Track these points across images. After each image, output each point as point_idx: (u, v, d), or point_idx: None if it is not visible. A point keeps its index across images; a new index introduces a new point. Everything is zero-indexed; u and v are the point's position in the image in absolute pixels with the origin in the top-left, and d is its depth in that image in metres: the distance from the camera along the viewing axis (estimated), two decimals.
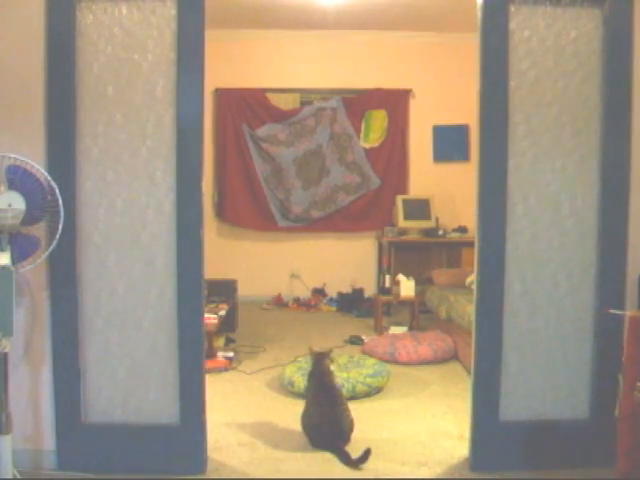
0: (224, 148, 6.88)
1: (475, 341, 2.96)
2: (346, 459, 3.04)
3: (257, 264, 6.99)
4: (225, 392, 4.08)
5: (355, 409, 3.78)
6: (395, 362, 4.66)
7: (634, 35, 2.85)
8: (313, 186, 6.95)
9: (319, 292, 6.94)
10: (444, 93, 6.76)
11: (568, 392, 2.98)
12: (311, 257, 7.05)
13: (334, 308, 6.71)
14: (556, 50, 2.89)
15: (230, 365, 4.58)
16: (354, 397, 3.90)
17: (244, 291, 6.00)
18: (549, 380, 2.97)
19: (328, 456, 3.12)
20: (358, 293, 6.77)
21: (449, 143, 6.94)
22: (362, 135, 6.93)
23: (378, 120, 6.91)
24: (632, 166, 2.89)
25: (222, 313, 4.94)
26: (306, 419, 3.29)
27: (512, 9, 2.84)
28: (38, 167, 2.59)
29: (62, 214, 2.59)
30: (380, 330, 5.63)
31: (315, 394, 3.29)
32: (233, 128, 6.85)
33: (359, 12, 6.09)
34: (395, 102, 6.93)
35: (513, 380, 2.95)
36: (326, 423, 3.19)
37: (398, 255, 6.78)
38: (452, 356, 4.84)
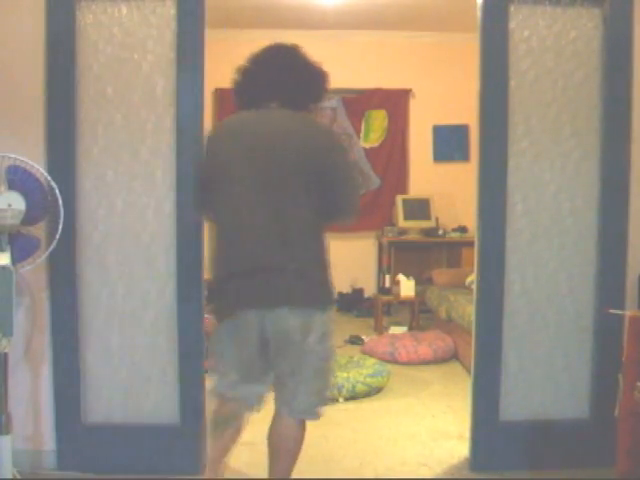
0: None
1: (475, 341, 2.96)
2: None
3: None
4: None
5: (355, 409, 3.80)
6: (395, 362, 4.66)
7: (634, 35, 2.85)
8: None
9: None
10: (444, 93, 6.74)
11: (568, 392, 2.98)
12: None
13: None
14: (556, 50, 2.88)
15: None
16: (354, 397, 3.91)
17: None
18: (549, 380, 2.97)
19: (329, 456, 3.13)
20: (358, 293, 6.76)
21: (449, 143, 6.94)
22: (362, 135, 6.93)
23: (378, 120, 6.91)
24: (632, 166, 2.89)
25: None
26: None
27: (512, 9, 2.84)
28: (38, 167, 2.59)
29: (62, 214, 2.59)
30: (380, 330, 5.63)
31: None
32: None
33: (359, 12, 6.09)
34: (395, 102, 6.92)
35: (513, 380, 2.95)
36: None
37: (398, 255, 6.78)
38: (452, 356, 4.84)
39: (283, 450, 2.34)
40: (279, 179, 2.17)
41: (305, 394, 2.26)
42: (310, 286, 2.18)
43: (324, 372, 2.29)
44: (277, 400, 2.32)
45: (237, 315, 2.21)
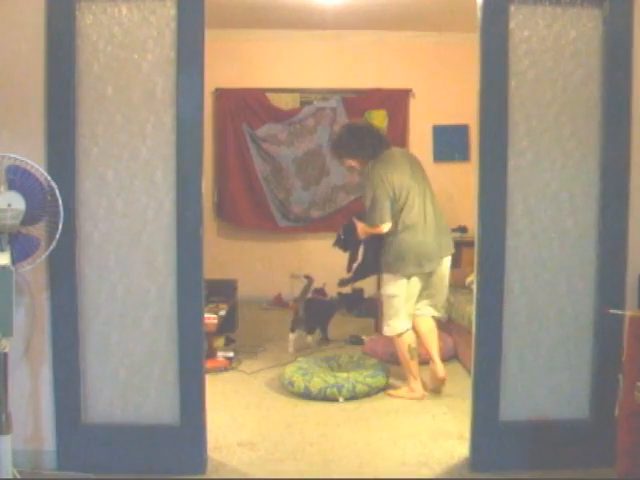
0: (224, 148, 6.87)
1: (475, 341, 2.96)
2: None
3: (257, 264, 6.99)
4: (225, 392, 4.08)
5: (355, 409, 3.80)
6: (395, 362, 4.64)
7: (634, 35, 2.85)
8: (313, 186, 6.94)
9: (319, 292, 6.92)
10: (444, 93, 6.74)
11: (568, 392, 2.98)
12: (311, 257, 7.04)
13: None
14: (556, 50, 2.88)
15: (230, 365, 4.58)
16: (354, 397, 3.90)
17: (244, 291, 6.00)
18: (549, 380, 2.97)
19: (329, 456, 3.13)
20: (358, 293, 6.75)
21: (449, 143, 6.93)
22: None
23: (378, 120, 6.89)
24: (632, 166, 2.89)
25: (222, 313, 4.94)
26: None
27: (512, 9, 2.84)
28: (38, 167, 2.59)
29: (62, 214, 2.59)
30: (380, 330, 5.61)
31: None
32: (233, 128, 6.84)
33: (359, 12, 6.08)
34: (395, 102, 6.92)
35: (513, 380, 2.95)
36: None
37: None
38: (452, 356, 4.83)
39: (433, 334, 4.15)
40: (426, 189, 3.95)
41: (442, 302, 4.19)
42: (449, 247, 4.07)
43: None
44: (424, 307, 4.11)
45: (425, 267, 3.92)
